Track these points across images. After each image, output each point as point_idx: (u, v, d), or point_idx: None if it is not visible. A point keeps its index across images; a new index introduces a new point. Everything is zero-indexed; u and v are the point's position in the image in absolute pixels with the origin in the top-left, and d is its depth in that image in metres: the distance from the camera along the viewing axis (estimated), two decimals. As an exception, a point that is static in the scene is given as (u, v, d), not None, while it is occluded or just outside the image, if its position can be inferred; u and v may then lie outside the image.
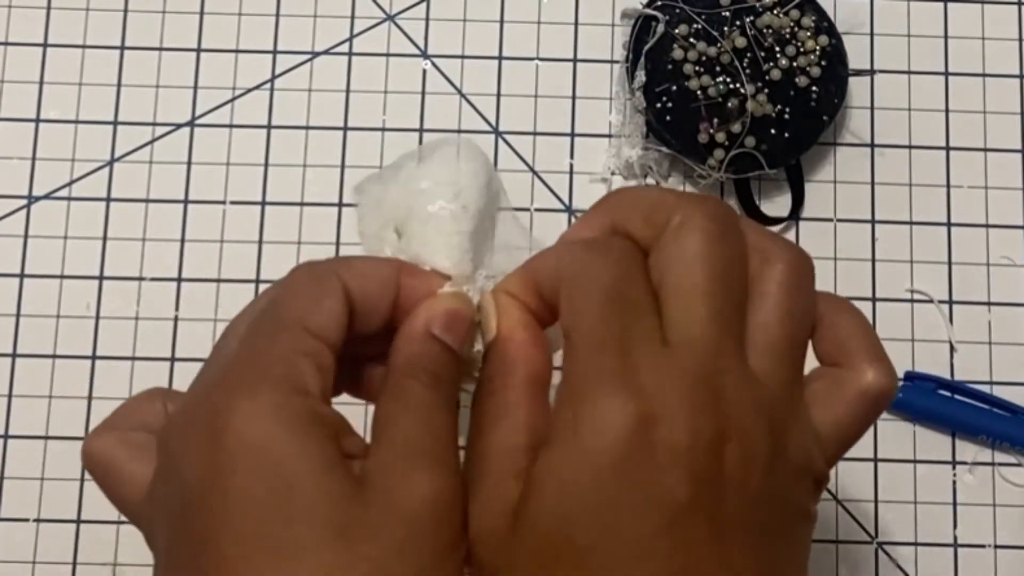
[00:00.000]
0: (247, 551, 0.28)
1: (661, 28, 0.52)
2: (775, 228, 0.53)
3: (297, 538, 0.28)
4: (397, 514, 0.29)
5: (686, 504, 0.28)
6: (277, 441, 0.29)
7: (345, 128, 0.54)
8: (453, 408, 0.33)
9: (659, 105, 0.52)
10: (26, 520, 0.50)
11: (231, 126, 0.54)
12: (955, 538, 0.51)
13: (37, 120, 0.54)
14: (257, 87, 0.55)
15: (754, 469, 0.28)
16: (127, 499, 0.33)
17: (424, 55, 0.55)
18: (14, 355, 0.52)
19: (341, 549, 0.28)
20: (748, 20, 0.52)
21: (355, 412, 0.34)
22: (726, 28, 0.52)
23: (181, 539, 0.30)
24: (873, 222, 0.54)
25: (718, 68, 0.52)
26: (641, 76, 0.52)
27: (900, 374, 0.52)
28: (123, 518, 0.35)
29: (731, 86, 0.51)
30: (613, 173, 0.54)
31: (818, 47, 0.52)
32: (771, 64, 0.52)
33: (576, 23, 0.56)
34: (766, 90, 0.51)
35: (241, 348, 0.32)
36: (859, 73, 0.54)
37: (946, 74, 0.55)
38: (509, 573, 0.29)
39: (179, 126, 0.54)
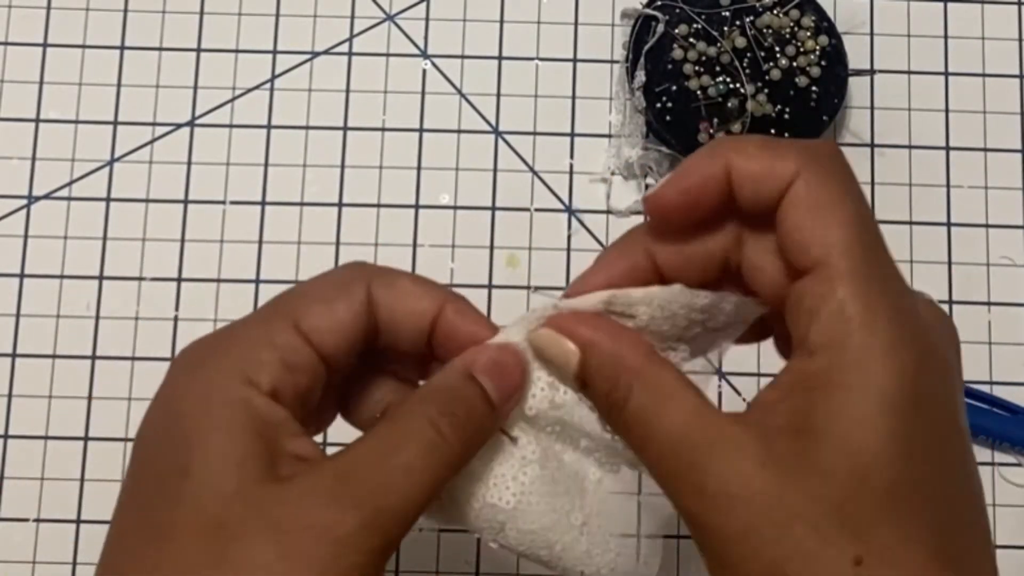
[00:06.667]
0: (131, 516, 0.28)
1: (661, 28, 0.52)
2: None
3: (176, 520, 0.27)
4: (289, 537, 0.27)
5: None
6: (188, 418, 0.29)
7: (345, 128, 0.54)
8: (448, 466, 0.29)
9: (659, 105, 0.52)
10: (26, 520, 0.50)
11: (231, 126, 0.54)
12: (955, 538, 0.51)
13: (37, 120, 0.54)
14: (257, 87, 0.55)
15: None
16: None
17: (424, 55, 0.55)
18: (14, 355, 0.52)
19: (212, 545, 0.27)
20: (748, 20, 0.52)
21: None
22: (726, 28, 0.52)
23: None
24: (873, 222, 0.54)
25: (718, 68, 0.52)
26: (641, 76, 0.52)
27: (900, 374, 0.52)
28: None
29: (731, 86, 0.51)
30: (613, 173, 0.54)
31: (818, 47, 0.52)
32: (771, 64, 0.52)
33: (576, 23, 0.56)
34: (766, 90, 0.51)
35: (239, 320, 0.32)
36: (859, 73, 0.54)
37: (946, 74, 0.55)
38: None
39: (179, 126, 0.54)
